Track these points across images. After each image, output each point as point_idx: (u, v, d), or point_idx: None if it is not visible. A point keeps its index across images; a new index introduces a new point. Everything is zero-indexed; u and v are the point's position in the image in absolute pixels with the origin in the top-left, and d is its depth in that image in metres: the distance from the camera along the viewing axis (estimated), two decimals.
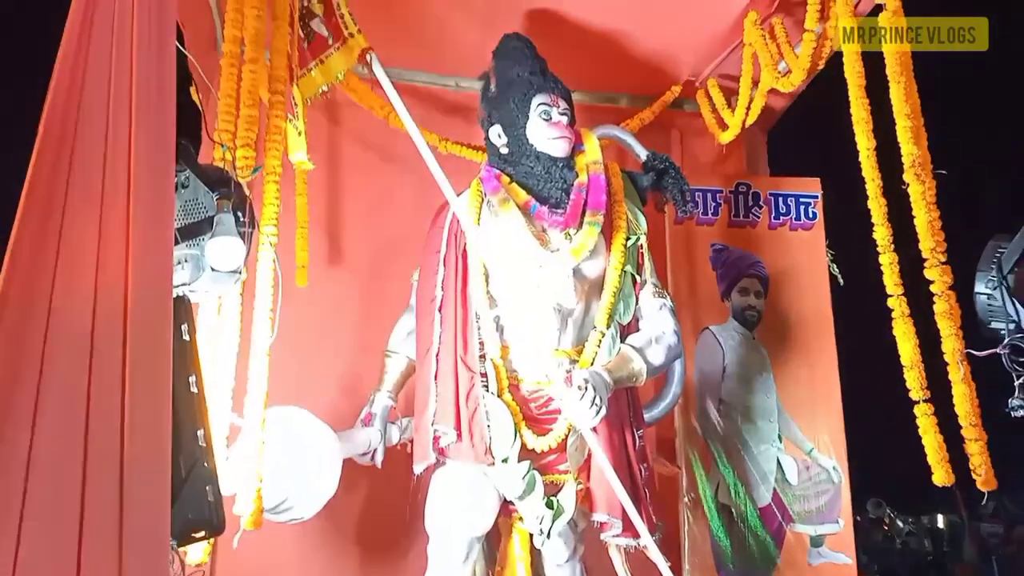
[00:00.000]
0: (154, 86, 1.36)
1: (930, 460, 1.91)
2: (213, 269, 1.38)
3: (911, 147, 2.02)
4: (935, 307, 1.96)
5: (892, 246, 2.07)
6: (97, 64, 1.37)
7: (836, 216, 3.31)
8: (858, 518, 4.04)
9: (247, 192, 1.53)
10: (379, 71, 2.23)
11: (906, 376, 1.95)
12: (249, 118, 1.91)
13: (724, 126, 3.16)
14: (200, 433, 1.33)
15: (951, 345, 1.92)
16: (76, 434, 1.22)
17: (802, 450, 3.01)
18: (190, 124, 1.52)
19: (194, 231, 1.37)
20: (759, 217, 3.20)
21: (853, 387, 3.13)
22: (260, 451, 1.74)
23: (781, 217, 3.21)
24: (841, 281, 3.14)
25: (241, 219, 1.42)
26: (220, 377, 1.82)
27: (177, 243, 1.35)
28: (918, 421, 1.93)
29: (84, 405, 1.23)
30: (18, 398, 1.23)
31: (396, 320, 2.61)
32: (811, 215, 3.21)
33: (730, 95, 3.20)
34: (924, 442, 1.90)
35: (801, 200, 3.22)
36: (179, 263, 1.38)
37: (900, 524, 5.62)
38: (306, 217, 2.89)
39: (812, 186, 3.25)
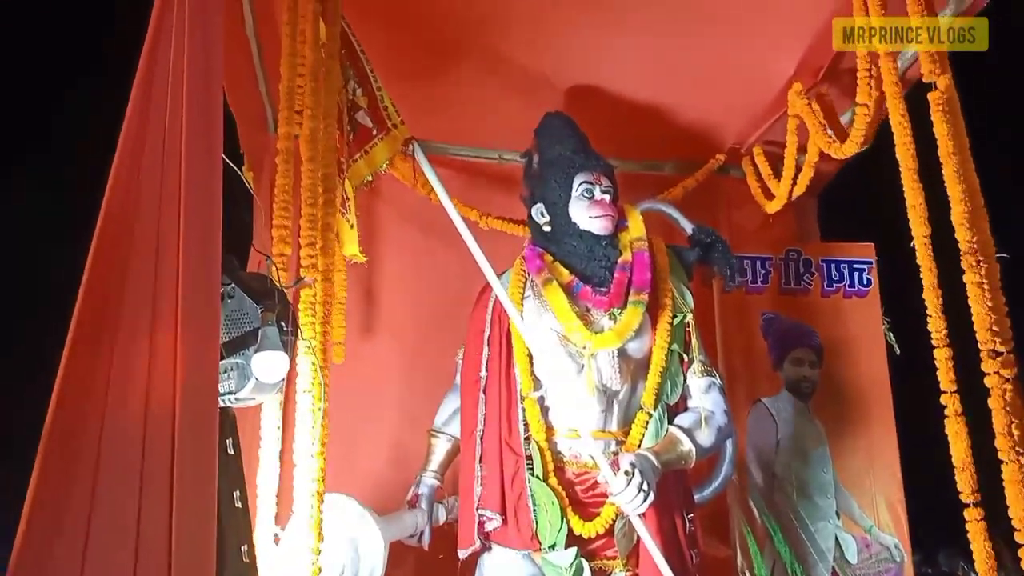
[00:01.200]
0: (203, 205, 1.40)
1: (978, 569, 1.83)
2: (257, 380, 1.40)
3: (965, 232, 1.95)
4: (990, 402, 1.88)
5: (947, 340, 1.98)
6: (149, 181, 1.42)
7: (894, 279, 3.22)
8: (929, 571, 3.85)
9: (290, 301, 1.57)
10: (422, 160, 2.28)
11: (957, 478, 1.88)
12: (311, 217, 1.95)
13: (770, 195, 3.12)
14: (244, 549, 1.34)
15: (1005, 443, 1.83)
16: (126, 551, 1.24)
17: (861, 527, 2.90)
18: (234, 232, 1.57)
19: (240, 344, 1.41)
20: (811, 284, 3.13)
21: (913, 443, 3.01)
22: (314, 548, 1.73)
23: (834, 284, 3.13)
24: (898, 350, 3.04)
25: (285, 329, 1.45)
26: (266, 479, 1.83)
27: (223, 357, 1.38)
28: (967, 526, 1.85)
29: (135, 521, 1.25)
30: (70, 514, 1.26)
31: (442, 392, 2.62)
32: (865, 282, 3.13)
33: (776, 161, 3.16)
34: (972, 548, 1.82)
35: (855, 266, 3.14)
36: (225, 372, 1.41)
37: None
38: (344, 292, 2.92)
39: (866, 251, 3.18)
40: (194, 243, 1.37)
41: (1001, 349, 1.84)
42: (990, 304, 1.89)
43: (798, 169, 2.91)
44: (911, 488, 2.92)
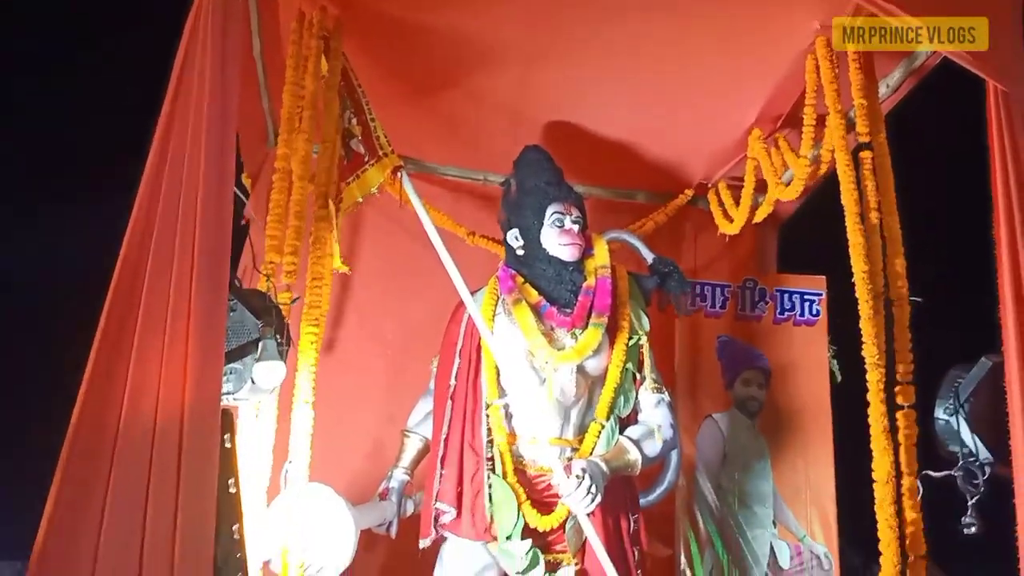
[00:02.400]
0: (214, 232, 1.64)
1: (884, 568, 2.04)
2: (253, 382, 1.64)
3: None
4: (899, 423, 2.12)
5: (881, 364, 2.19)
6: (167, 212, 1.66)
7: (848, 308, 3.45)
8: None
9: (286, 318, 1.81)
10: (408, 187, 2.51)
11: (875, 491, 2.07)
12: (297, 229, 2.20)
13: (731, 220, 3.35)
14: (235, 528, 1.58)
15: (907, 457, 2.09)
16: (136, 525, 1.48)
17: (795, 536, 3.15)
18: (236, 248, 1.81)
19: (240, 352, 1.65)
20: (764, 312, 3.38)
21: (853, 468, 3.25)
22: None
23: (786, 313, 3.38)
24: (839, 377, 3.29)
25: (280, 341, 1.69)
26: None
27: (225, 362, 1.61)
28: (880, 535, 2.05)
29: (143, 502, 1.49)
30: (92, 493, 1.50)
31: (419, 395, 2.85)
32: (815, 312, 3.38)
33: (739, 194, 3.40)
34: (881, 554, 2.05)
35: (805, 297, 3.38)
36: (225, 376, 1.65)
37: None
38: (328, 305, 3.12)
39: (817, 284, 3.41)
40: (206, 266, 1.61)
41: (902, 380, 2.09)
42: (897, 341, 2.15)
43: (755, 206, 3.16)
44: (843, 503, 3.18)
